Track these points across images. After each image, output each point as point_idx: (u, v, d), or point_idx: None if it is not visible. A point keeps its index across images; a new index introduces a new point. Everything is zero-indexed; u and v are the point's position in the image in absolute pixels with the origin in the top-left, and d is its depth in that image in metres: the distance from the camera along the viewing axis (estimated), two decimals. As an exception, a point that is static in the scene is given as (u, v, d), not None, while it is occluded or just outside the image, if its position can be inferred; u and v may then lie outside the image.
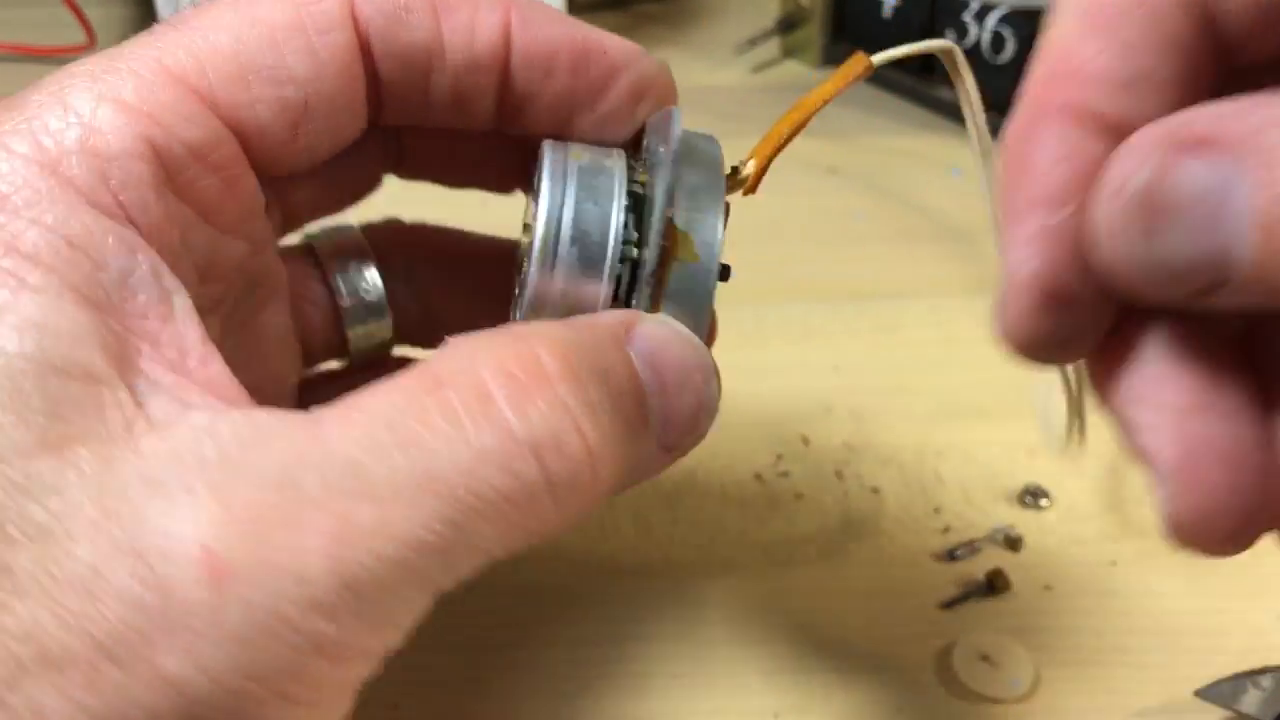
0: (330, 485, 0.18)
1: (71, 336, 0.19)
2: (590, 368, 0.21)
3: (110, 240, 0.20)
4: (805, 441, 0.39)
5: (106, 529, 0.18)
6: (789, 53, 0.63)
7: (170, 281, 0.21)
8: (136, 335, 0.20)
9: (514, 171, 0.30)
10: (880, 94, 0.60)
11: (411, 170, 0.30)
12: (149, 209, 0.21)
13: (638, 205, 0.24)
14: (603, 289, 0.24)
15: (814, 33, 0.61)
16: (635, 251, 0.24)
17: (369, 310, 0.31)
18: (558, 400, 0.20)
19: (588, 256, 0.24)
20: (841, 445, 0.39)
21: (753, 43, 0.63)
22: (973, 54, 0.55)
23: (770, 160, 0.26)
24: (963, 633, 0.33)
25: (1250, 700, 0.30)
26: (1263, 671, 0.30)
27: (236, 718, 0.17)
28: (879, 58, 0.27)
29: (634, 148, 0.27)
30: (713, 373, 0.24)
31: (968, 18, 0.54)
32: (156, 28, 0.23)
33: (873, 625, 0.34)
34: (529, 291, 0.24)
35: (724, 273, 0.25)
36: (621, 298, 0.24)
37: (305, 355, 0.30)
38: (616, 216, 0.24)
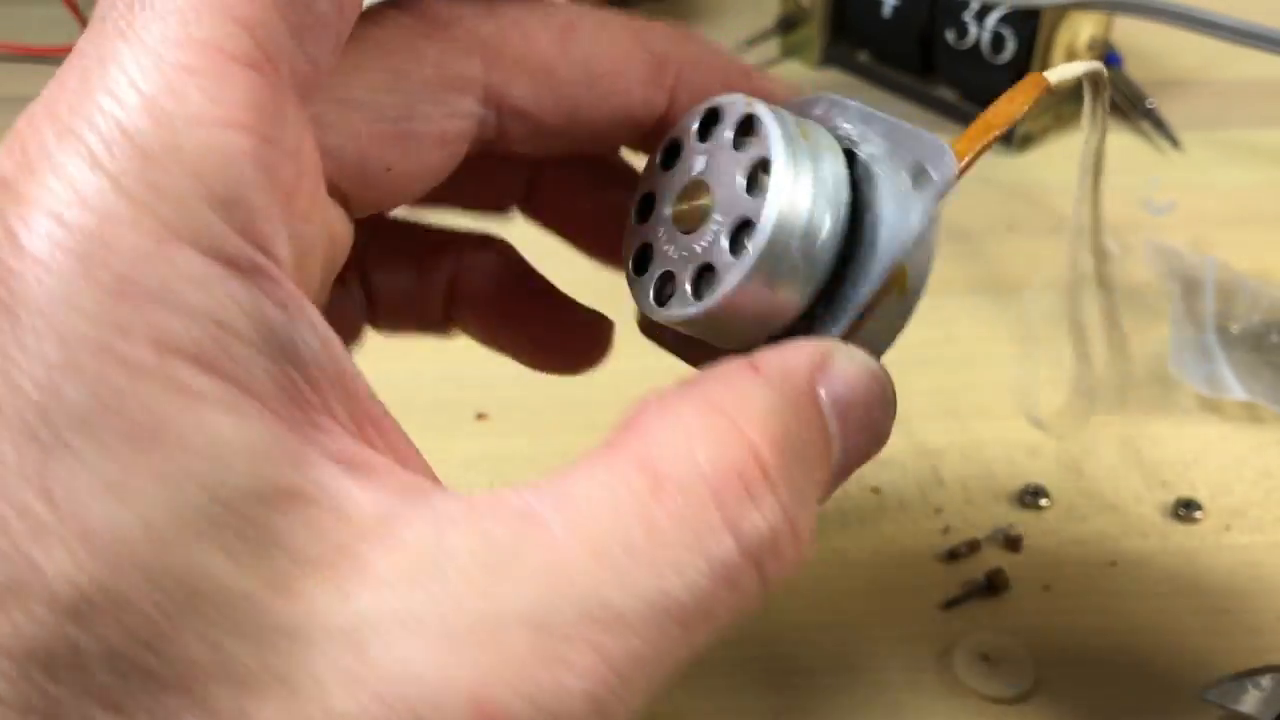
0: (583, 617, 0.18)
1: (261, 453, 0.17)
2: (797, 451, 0.20)
3: (263, 306, 0.17)
4: (805, 441, 0.39)
5: (360, 675, 0.16)
6: (789, 53, 0.63)
7: (323, 326, 0.18)
8: (318, 412, 0.18)
9: (498, 191, 0.28)
10: (880, 93, 0.60)
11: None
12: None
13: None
14: (802, 302, 0.21)
15: (814, 33, 0.61)
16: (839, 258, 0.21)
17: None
18: (778, 506, 0.19)
19: (809, 260, 0.21)
20: (841, 445, 0.39)
21: (752, 43, 0.63)
22: (973, 54, 0.55)
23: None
24: (963, 633, 0.33)
25: (1250, 700, 0.30)
26: (1263, 671, 0.30)
27: None
28: (1053, 75, 0.23)
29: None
30: (892, 405, 0.22)
31: (968, 18, 0.54)
32: None
33: (873, 625, 0.34)
34: (721, 294, 0.21)
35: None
36: (810, 308, 0.22)
37: None
38: (840, 217, 0.21)
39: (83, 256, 0.16)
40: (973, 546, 0.36)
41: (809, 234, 0.20)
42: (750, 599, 0.19)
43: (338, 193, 0.22)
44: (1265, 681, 0.30)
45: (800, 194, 0.20)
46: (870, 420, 0.22)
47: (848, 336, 0.21)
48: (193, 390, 0.16)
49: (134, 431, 0.16)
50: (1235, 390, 0.40)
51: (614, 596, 0.18)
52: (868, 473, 0.38)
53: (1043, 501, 0.37)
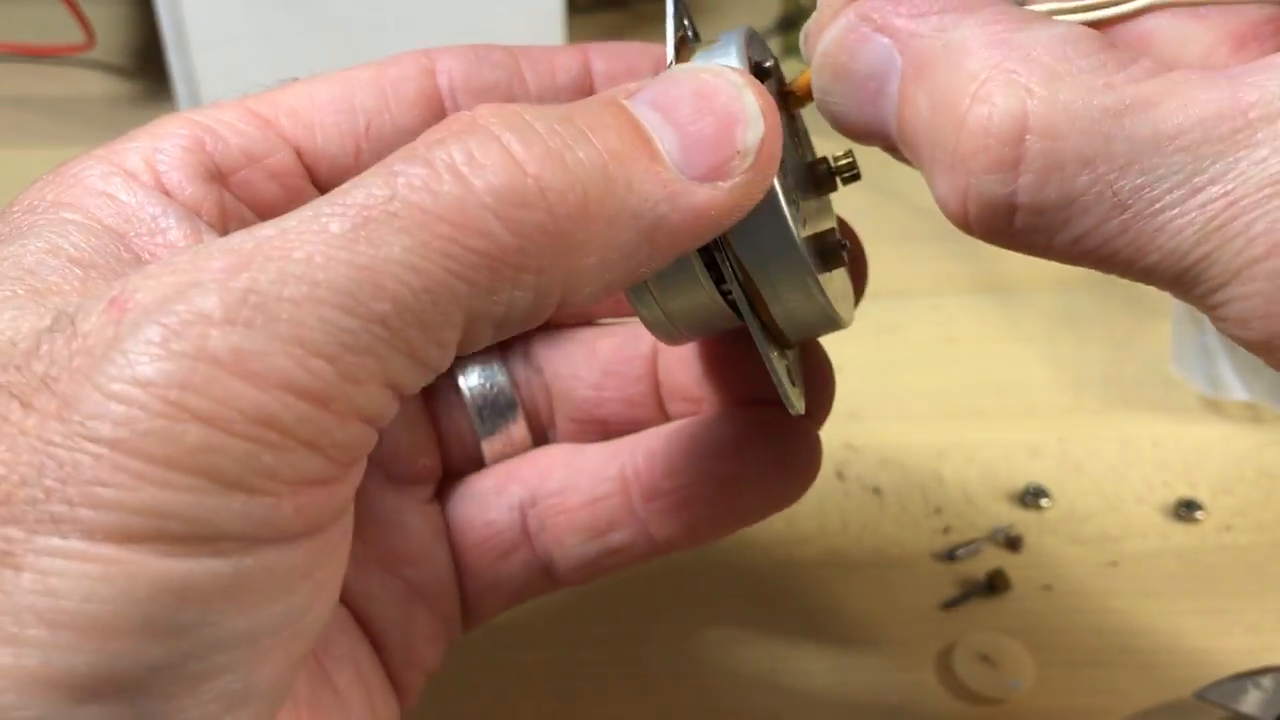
0: (240, 237, 0.18)
1: (80, 241, 0.20)
2: (549, 113, 0.19)
3: (146, 196, 0.22)
4: (805, 441, 0.39)
5: (48, 325, 0.18)
6: (789, 52, 0.63)
7: (203, 229, 0.22)
8: (156, 257, 0.21)
9: None
10: (880, 93, 0.60)
11: None
12: (186, 187, 0.22)
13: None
14: None
15: (814, 32, 0.61)
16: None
17: (499, 405, 0.29)
18: (479, 127, 0.19)
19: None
20: (842, 445, 0.39)
21: (753, 42, 0.63)
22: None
23: None
24: (963, 633, 0.33)
25: (1251, 700, 0.30)
26: (1263, 672, 0.30)
27: (145, 438, 0.16)
28: None
29: None
30: (742, 86, 0.21)
31: (968, 17, 0.54)
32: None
33: (873, 625, 0.34)
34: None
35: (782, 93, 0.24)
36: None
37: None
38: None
39: None
40: (973, 547, 0.36)
41: None
42: (467, 205, 0.18)
43: None
44: (1266, 682, 0.30)
45: None
46: (708, 104, 0.20)
47: None
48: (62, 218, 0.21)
49: None
50: (1236, 390, 0.40)
51: (279, 223, 0.18)
52: (868, 473, 0.38)
53: (1043, 501, 0.37)
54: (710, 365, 0.28)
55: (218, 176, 0.23)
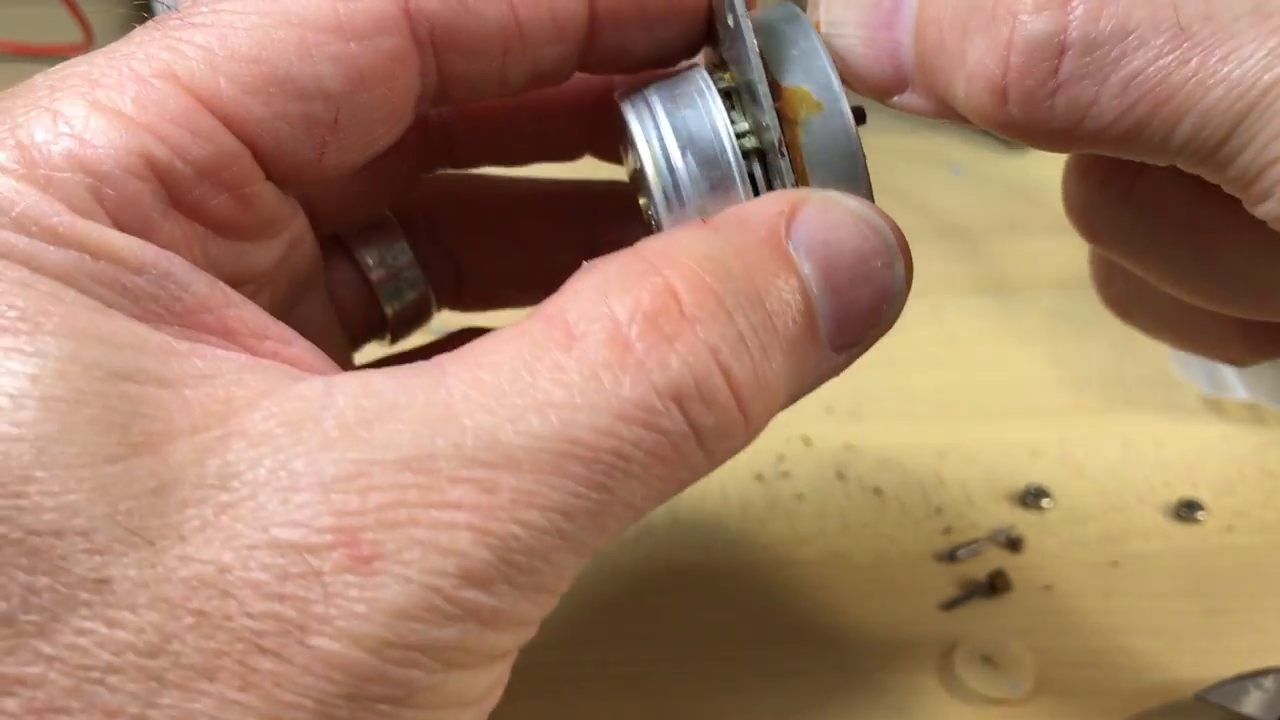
0: (467, 458, 0.17)
1: (129, 344, 0.17)
2: (738, 291, 0.19)
3: (132, 246, 0.18)
4: (806, 442, 0.39)
5: (225, 524, 0.16)
6: None
7: (210, 276, 0.19)
8: (199, 329, 0.19)
9: (580, 133, 0.27)
10: (881, 93, 0.60)
11: (465, 159, 0.28)
12: (151, 229, 0.19)
13: (739, 102, 0.22)
14: (740, 191, 0.21)
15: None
16: (755, 140, 0.21)
17: (402, 281, 0.29)
18: (698, 343, 0.18)
19: (706, 159, 0.21)
20: (843, 446, 0.39)
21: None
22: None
23: None
24: (964, 633, 0.33)
25: (1252, 702, 0.30)
26: (1265, 673, 0.30)
27: (404, 688, 0.17)
28: None
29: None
30: (895, 252, 0.20)
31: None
32: (169, 18, 0.20)
33: (874, 626, 0.34)
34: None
35: (859, 115, 0.22)
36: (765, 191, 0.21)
37: (348, 340, 0.29)
38: (716, 108, 0.21)
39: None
40: (974, 547, 0.36)
41: (688, 138, 0.21)
42: (680, 446, 0.18)
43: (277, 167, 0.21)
44: (1268, 682, 0.30)
45: (660, 123, 0.21)
46: (866, 269, 0.20)
47: (802, 185, 0.21)
48: (57, 296, 0.17)
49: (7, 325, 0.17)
50: (1238, 390, 0.40)
51: (505, 436, 0.17)
52: (869, 473, 0.38)
53: (1044, 502, 0.37)
54: None
55: (170, 203, 0.19)
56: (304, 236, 0.24)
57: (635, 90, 0.22)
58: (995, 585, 0.35)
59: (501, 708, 0.32)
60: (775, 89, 0.21)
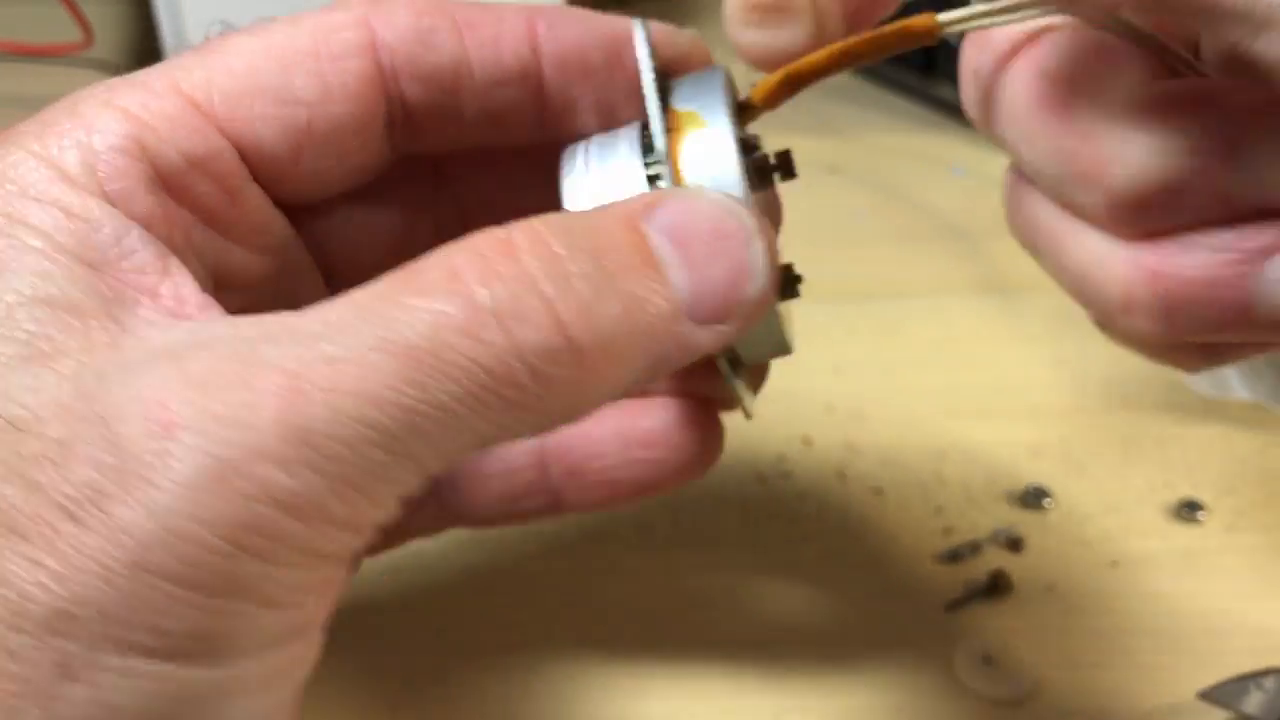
0: (286, 352, 0.19)
1: (63, 280, 0.20)
2: (577, 245, 0.20)
3: (102, 211, 0.21)
4: (807, 442, 0.39)
5: (77, 409, 0.19)
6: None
7: (165, 249, 0.22)
8: (133, 289, 0.21)
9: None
10: (881, 92, 0.60)
11: (454, 199, 0.29)
12: (135, 200, 0.22)
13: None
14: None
15: (815, 31, 0.61)
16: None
17: None
18: (522, 271, 0.20)
19: (615, 176, 0.24)
20: (843, 446, 0.39)
21: (753, 41, 0.63)
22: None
23: (797, 80, 0.24)
24: (965, 634, 0.33)
25: (1253, 702, 0.30)
26: (1266, 673, 0.30)
27: (190, 565, 0.18)
28: (945, 17, 0.23)
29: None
30: (753, 233, 0.22)
31: (969, 16, 0.54)
32: (186, 52, 0.24)
33: (874, 626, 0.34)
34: None
35: (749, 146, 0.24)
36: None
37: None
38: (632, 145, 0.24)
39: None
40: (975, 547, 0.36)
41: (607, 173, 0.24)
42: (503, 360, 0.19)
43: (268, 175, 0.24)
44: (1268, 683, 0.30)
45: (590, 173, 0.24)
46: (722, 247, 0.22)
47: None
48: (23, 241, 0.20)
49: None
50: (1239, 390, 0.40)
51: (327, 335, 0.19)
52: (869, 473, 0.38)
53: (1045, 502, 0.37)
54: None
55: (160, 184, 0.22)
56: (301, 265, 0.27)
57: (579, 144, 0.25)
58: (996, 585, 0.35)
59: (502, 708, 0.32)
60: (671, 114, 0.24)
